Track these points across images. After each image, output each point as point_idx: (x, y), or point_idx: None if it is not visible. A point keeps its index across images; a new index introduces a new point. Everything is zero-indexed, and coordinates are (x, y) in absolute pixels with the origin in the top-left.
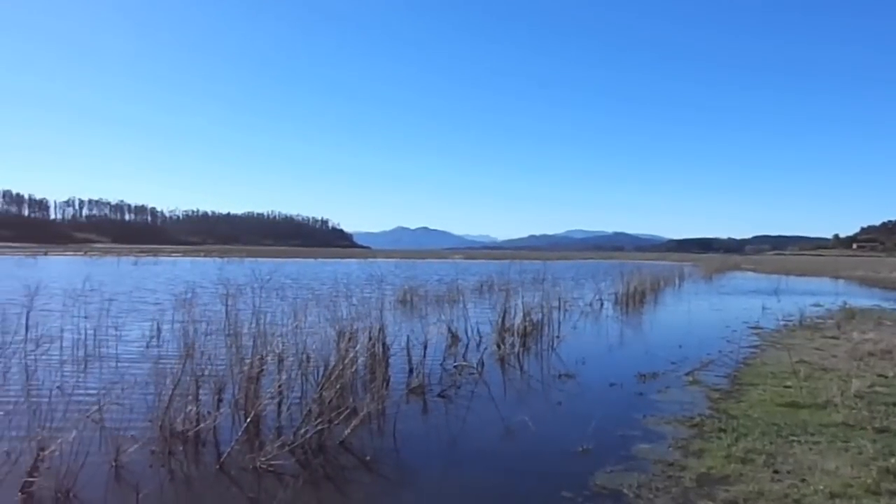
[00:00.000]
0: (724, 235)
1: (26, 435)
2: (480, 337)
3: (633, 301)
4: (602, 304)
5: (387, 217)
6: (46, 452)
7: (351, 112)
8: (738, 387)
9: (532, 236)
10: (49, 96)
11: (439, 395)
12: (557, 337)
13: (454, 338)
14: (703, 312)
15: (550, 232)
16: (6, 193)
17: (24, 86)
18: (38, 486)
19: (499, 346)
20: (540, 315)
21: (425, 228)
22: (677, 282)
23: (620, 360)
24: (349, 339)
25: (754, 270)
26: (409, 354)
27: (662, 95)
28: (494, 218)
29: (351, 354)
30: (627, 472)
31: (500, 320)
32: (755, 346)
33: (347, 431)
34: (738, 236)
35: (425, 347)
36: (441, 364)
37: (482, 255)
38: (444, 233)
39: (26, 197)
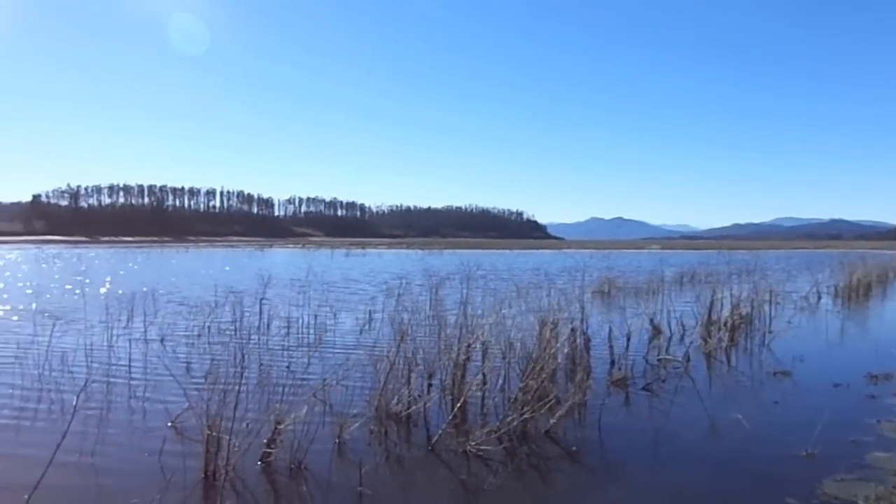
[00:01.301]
0: None
1: (265, 410)
2: (684, 330)
3: (857, 294)
4: (819, 298)
5: (580, 207)
6: (282, 426)
7: (546, 100)
8: None
9: (736, 225)
10: (282, 97)
11: (643, 389)
12: (770, 332)
13: (656, 330)
14: None
15: (756, 220)
16: (239, 194)
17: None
18: (275, 457)
19: (705, 340)
20: (749, 308)
21: (620, 218)
22: None
23: (845, 359)
24: (551, 330)
25: None
26: (610, 346)
27: (886, 57)
28: (694, 206)
29: (556, 344)
30: (862, 481)
31: (706, 313)
32: None
33: (552, 421)
34: None
35: (628, 339)
36: (644, 357)
37: (681, 245)
38: (639, 223)
39: (255, 196)
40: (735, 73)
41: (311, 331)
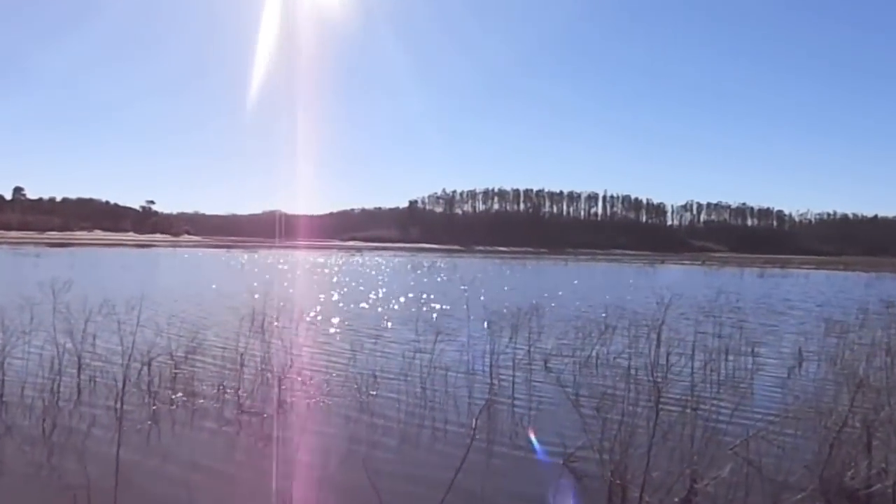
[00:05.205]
0: None
1: (675, 462)
2: None
3: None
4: None
5: None
6: (699, 486)
7: None
8: None
9: None
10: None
11: None
12: None
13: None
14: None
15: None
16: (625, 199)
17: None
18: None
19: None
20: None
21: None
22: None
23: None
24: None
25: None
26: None
27: None
28: None
29: None
30: None
31: None
32: None
33: None
34: None
35: None
36: None
37: None
38: None
39: (644, 202)
40: None
41: (723, 367)
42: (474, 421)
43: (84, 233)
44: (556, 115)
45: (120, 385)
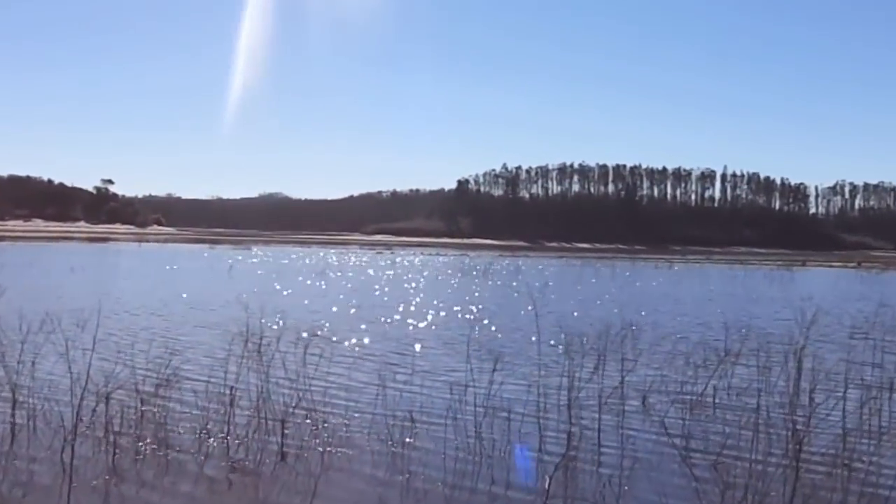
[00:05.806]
0: None
1: None
2: None
3: None
4: None
5: None
6: None
7: None
8: None
9: None
10: None
11: None
12: None
13: None
14: None
15: None
16: (752, 178)
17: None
18: None
19: None
20: None
21: None
22: None
23: None
24: None
25: None
26: None
27: None
28: None
29: None
30: None
31: None
32: None
33: None
34: None
35: None
36: None
37: None
38: None
39: (777, 183)
40: None
41: (886, 409)
42: (547, 481)
43: (19, 222)
44: (655, 75)
45: (68, 428)
